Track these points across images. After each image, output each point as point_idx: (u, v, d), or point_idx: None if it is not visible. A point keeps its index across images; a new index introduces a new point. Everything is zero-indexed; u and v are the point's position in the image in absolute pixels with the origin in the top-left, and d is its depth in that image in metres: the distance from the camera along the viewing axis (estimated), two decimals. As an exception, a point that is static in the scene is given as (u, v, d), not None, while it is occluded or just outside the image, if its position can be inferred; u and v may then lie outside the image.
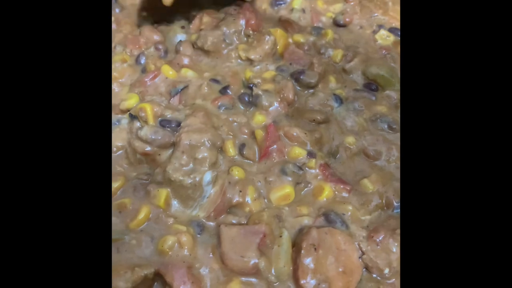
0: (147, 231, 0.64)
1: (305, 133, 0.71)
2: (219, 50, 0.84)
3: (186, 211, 0.66)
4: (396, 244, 0.59)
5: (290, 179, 0.67)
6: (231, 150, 0.70)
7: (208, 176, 0.66)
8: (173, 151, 0.68)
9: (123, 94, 0.81)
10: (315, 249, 0.58)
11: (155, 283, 0.60)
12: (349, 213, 0.64)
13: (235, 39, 0.84)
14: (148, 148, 0.70)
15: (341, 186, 0.68)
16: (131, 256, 0.61)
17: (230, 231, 0.61)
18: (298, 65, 0.83)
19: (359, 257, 0.59)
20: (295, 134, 0.71)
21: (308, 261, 0.58)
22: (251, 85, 0.79)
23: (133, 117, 0.73)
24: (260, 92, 0.76)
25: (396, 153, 0.72)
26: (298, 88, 0.80)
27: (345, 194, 0.67)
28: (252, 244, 0.60)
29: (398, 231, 0.60)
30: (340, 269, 0.58)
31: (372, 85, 0.82)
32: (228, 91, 0.79)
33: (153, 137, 0.69)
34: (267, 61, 0.83)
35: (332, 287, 0.56)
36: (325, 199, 0.67)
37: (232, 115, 0.75)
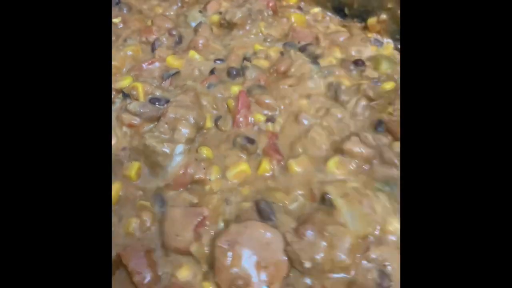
0: (116, 211, 0.66)
1: (276, 100, 0.76)
2: (244, 24, 0.93)
3: (153, 181, 0.69)
4: (324, 243, 0.55)
5: (242, 154, 0.70)
6: (209, 123, 0.74)
7: (180, 148, 0.68)
8: (158, 122, 0.71)
9: (118, 77, 0.85)
10: (230, 245, 0.55)
11: (119, 269, 0.60)
12: (280, 204, 0.62)
13: (259, 16, 0.95)
14: (134, 121, 0.73)
15: (276, 156, 0.68)
16: (99, 240, 0.64)
17: (174, 212, 0.62)
18: (305, 41, 0.90)
19: (284, 249, 0.55)
20: (266, 101, 0.76)
21: (222, 258, 0.55)
22: (247, 58, 0.84)
23: (125, 95, 0.78)
24: (249, 65, 0.81)
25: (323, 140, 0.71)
26: (308, 60, 0.84)
27: (277, 168, 0.67)
28: (189, 225, 0.60)
29: (328, 227, 0.55)
30: (262, 264, 0.54)
31: (360, 61, 0.84)
32: (215, 72, 0.83)
33: (141, 110, 0.73)
34: (279, 40, 0.92)
35: (250, 283, 0.53)
36: (265, 174, 0.67)
37: (218, 91, 0.79)
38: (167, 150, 0.67)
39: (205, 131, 0.74)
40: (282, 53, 0.86)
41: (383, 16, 0.93)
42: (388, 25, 0.93)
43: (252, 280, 0.54)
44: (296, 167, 0.67)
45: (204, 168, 0.67)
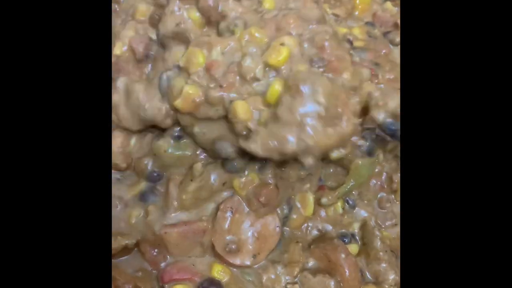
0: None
1: None
2: None
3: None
4: None
5: None
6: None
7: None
8: None
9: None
10: (232, 212, 0.62)
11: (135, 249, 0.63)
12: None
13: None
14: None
15: None
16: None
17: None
18: (386, 27, 0.86)
19: (277, 227, 0.62)
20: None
21: (222, 221, 0.61)
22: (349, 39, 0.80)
23: None
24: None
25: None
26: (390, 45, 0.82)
27: None
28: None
29: None
30: (254, 235, 0.61)
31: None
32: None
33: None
34: (350, 19, 0.87)
35: (241, 249, 0.60)
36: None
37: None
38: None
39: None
40: (369, 35, 0.84)
41: None
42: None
43: (243, 246, 0.61)
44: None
45: None
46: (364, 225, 0.65)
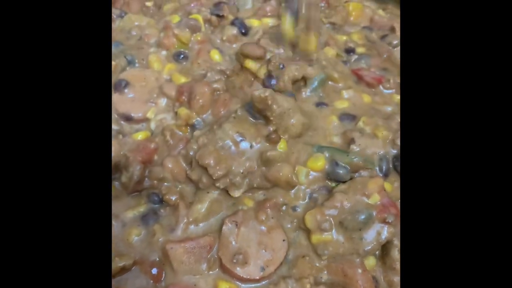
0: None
1: None
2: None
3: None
4: None
5: None
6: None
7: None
8: None
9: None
10: (237, 225, 0.61)
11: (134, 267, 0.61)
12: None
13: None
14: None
15: None
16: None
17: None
18: (383, 31, 0.92)
19: (283, 240, 0.60)
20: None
21: (228, 234, 0.60)
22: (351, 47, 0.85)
23: None
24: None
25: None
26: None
27: None
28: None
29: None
30: (261, 247, 0.59)
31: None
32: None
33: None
34: (347, 25, 0.93)
35: (249, 261, 0.58)
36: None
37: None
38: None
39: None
40: (368, 39, 0.89)
41: None
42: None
43: (250, 258, 0.59)
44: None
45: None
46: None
